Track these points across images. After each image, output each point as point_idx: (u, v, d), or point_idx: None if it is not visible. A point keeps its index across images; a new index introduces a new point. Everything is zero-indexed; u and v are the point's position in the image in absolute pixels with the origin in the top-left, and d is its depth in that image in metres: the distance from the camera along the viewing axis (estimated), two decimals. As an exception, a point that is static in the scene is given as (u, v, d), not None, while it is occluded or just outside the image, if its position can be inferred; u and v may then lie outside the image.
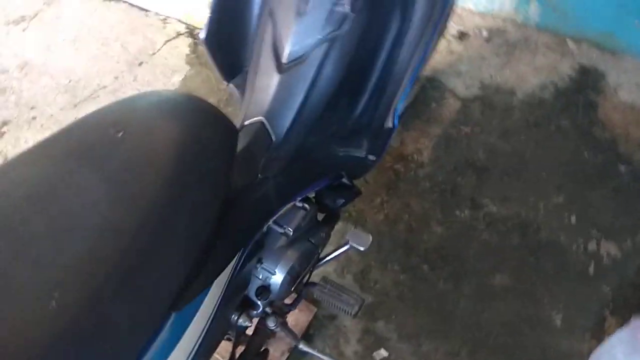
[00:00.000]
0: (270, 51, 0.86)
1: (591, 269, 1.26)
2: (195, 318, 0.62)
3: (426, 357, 1.15)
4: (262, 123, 0.83)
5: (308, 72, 0.84)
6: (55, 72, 1.81)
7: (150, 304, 0.51)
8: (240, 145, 0.80)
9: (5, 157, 1.62)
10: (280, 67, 0.84)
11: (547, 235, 1.32)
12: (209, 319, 0.66)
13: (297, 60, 0.83)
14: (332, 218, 1.00)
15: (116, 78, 1.79)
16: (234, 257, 0.71)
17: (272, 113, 0.84)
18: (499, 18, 1.86)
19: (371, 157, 0.94)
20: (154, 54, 1.85)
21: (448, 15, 1.24)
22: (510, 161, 1.47)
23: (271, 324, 0.87)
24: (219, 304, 0.69)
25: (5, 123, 1.69)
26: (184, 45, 1.87)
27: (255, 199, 0.77)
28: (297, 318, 1.18)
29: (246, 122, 0.85)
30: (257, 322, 0.90)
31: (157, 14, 1.97)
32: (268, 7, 0.89)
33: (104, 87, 1.76)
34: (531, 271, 1.26)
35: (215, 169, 0.60)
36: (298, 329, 1.17)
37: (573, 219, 1.35)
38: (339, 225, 1.25)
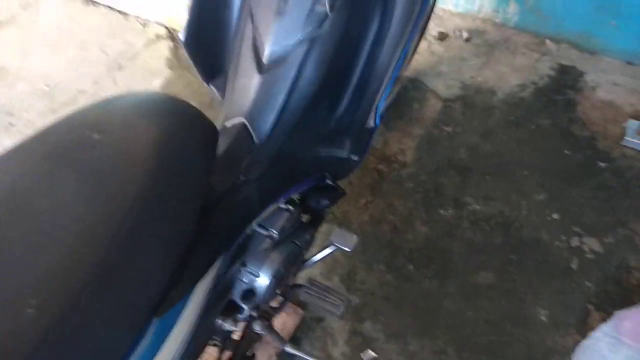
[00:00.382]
0: (251, 51, 0.85)
1: (574, 265, 1.27)
2: (177, 323, 0.61)
3: (413, 356, 1.15)
4: (243, 124, 0.83)
5: (289, 72, 0.83)
6: (32, 77, 1.78)
7: (130, 309, 0.49)
8: (221, 146, 0.79)
9: (-19, 165, 1.59)
10: (260, 68, 0.84)
11: (530, 232, 1.33)
12: (192, 323, 0.65)
13: (278, 61, 0.83)
14: (316, 219, 1.00)
15: (95, 82, 1.76)
16: (215, 261, 0.70)
17: (253, 114, 0.83)
18: (478, 19, 1.88)
19: (354, 157, 0.93)
20: (134, 57, 1.83)
21: (429, 15, 1.25)
22: (492, 160, 1.48)
23: (257, 327, 0.86)
24: (202, 309, 0.68)
25: (-19, 129, 1.65)
26: (164, 49, 1.86)
27: (237, 201, 0.76)
28: (285, 322, 1.17)
29: (227, 124, 0.84)
30: (244, 327, 0.89)
31: (137, 17, 1.96)
32: (247, 7, 0.88)
33: (83, 91, 1.74)
34: (514, 269, 1.27)
35: (195, 169, 0.59)
36: (285, 333, 1.16)
37: (555, 216, 1.36)
38: (323, 227, 1.25)
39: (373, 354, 1.16)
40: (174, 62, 1.81)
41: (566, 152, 1.49)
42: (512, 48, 1.78)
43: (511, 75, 1.70)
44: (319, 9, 0.82)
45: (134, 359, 0.53)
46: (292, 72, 0.83)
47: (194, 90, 1.71)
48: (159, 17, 1.92)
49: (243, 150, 0.81)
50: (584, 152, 1.49)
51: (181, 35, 0.94)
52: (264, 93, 0.83)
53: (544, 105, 1.61)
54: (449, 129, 1.57)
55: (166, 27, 1.91)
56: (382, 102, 0.90)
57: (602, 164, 1.46)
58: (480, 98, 1.64)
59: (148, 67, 1.80)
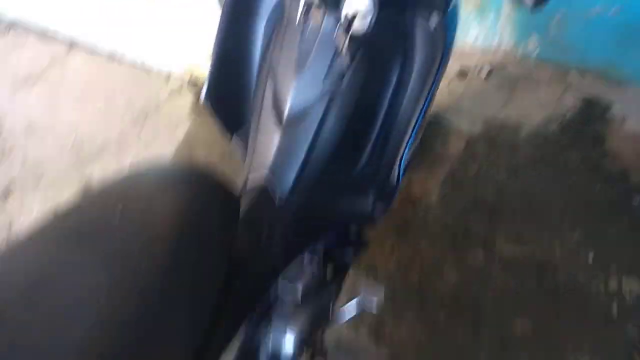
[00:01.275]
0: (271, 107, 0.85)
1: (614, 309, 1.21)
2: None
3: (448, 412, 1.10)
4: (265, 180, 0.82)
5: (310, 127, 0.83)
6: (60, 130, 1.83)
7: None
8: (245, 204, 0.78)
9: (10, 217, 1.62)
10: (281, 123, 0.83)
11: (566, 275, 1.27)
12: (217, 394, 0.63)
13: (299, 116, 0.83)
14: (341, 271, 0.98)
15: (121, 133, 1.80)
16: (241, 325, 0.68)
17: (275, 170, 0.82)
18: (498, 53, 1.86)
19: (378, 209, 0.92)
20: (157, 108, 1.87)
21: (448, 59, 1.24)
22: (521, 199, 1.44)
23: (283, 390, 0.83)
24: (227, 378, 0.66)
25: (11, 182, 1.69)
26: (187, 98, 1.89)
27: (261, 259, 0.75)
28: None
29: (249, 180, 0.83)
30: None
31: (159, 69, 2.00)
32: (268, 62, 0.89)
33: (109, 143, 1.77)
34: (552, 315, 1.21)
35: (218, 241, 0.58)
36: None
37: (591, 256, 1.30)
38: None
39: (406, 409, 1.11)
40: (196, 111, 1.84)
41: (598, 187, 1.44)
42: (535, 82, 1.76)
43: (536, 109, 1.67)
44: (339, 63, 0.82)
45: None
46: (313, 127, 0.82)
47: (216, 138, 1.72)
48: (181, 67, 1.97)
49: (266, 207, 0.80)
50: (616, 187, 1.44)
51: (202, 92, 0.95)
52: (286, 149, 0.83)
53: (571, 140, 1.57)
54: (473, 167, 1.54)
55: (188, 77, 1.96)
56: (406, 151, 0.88)
57: (637, 199, 1.41)
58: (505, 135, 1.61)
59: (171, 117, 1.83)
